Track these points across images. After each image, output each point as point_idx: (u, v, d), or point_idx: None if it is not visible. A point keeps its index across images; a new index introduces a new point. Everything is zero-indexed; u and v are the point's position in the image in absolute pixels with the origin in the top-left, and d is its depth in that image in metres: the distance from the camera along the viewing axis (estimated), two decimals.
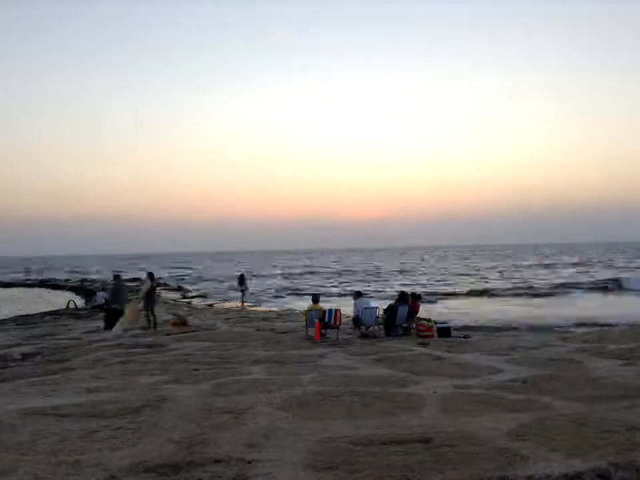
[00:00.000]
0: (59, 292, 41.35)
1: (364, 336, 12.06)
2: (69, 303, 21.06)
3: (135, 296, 16.36)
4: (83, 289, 40.87)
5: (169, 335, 13.09)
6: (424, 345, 10.60)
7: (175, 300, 30.89)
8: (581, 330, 14.93)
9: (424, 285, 38.50)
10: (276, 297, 33.25)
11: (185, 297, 33.10)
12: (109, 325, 14.28)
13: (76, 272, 74.13)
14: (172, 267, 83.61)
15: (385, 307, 12.77)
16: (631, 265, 58.65)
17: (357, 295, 13.14)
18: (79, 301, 29.22)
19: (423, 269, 65.14)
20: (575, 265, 64.34)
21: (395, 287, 36.22)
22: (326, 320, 12.04)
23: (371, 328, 12.39)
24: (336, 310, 12.28)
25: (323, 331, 11.94)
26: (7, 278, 59.90)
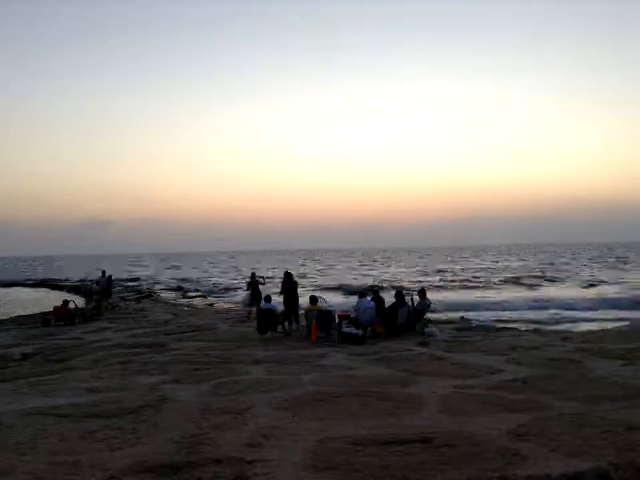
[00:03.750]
0: (58, 292, 41.32)
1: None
2: (68, 303, 20.99)
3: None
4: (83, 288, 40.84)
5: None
6: (424, 344, 10.60)
7: (175, 299, 30.89)
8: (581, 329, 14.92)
9: None
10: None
11: (185, 297, 33.06)
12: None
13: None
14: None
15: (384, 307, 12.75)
16: None
17: (361, 295, 13.10)
18: (79, 301, 29.19)
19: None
20: None
21: None
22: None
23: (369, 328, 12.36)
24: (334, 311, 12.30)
25: (322, 333, 11.93)
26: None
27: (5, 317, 21.81)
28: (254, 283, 16.83)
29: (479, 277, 43.33)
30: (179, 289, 40.41)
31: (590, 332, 12.73)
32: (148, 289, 39.70)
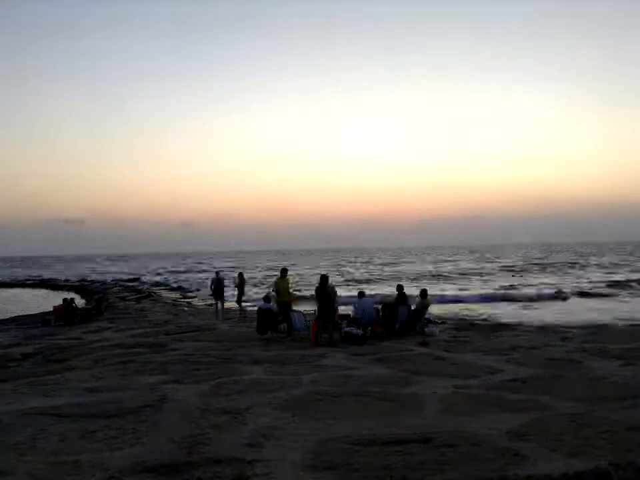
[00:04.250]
0: (58, 292, 41.35)
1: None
2: (72, 301, 21.03)
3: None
4: (83, 288, 40.93)
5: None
6: (424, 344, 10.60)
7: (174, 299, 30.90)
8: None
9: None
10: None
11: (184, 297, 33.05)
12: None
13: None
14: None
15: (382, 307, 12.74)
16: None
17: (360, 295, 13.10)
18: (79, 301, 29.19)
19: None
20: None
21: None
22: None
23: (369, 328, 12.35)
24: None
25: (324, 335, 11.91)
26: None
27: (4, 317, 21.84)
28: (218, 281, 18.34)
29: None
30: (178, 288, 40.47)
31: (590, 332, 12.73)
32: (148, 289, 39.75)
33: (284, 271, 13.71)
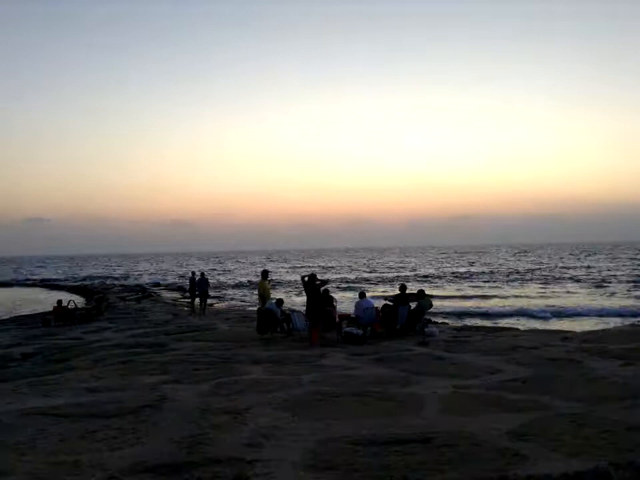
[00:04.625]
0: (58, 292, 41.35)
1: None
2: (68, 303, 21.05)
3: None
4: (83, 288, 40.93)
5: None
6: (424, 344, 10.60)
7: (174, 300, 30.90)
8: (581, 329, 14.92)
9: None
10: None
11: (184, 297, 33.04)
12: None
13: None
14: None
15: (382, 307, 12.72)
16: None
17: (361, 295, 13.09)
18: (79, 300, 29.18)
19: None
20: None
21: None
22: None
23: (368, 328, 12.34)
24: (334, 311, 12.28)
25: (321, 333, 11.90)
26: None
27: (5, 317, 21.84)
28: (192, 280, 20.43)
29: None
30: (179, 288, 40.45)
31: (590, 332, 12.72)
32: (148, 289, 39.75)
33: (265, 273, 13.92)
